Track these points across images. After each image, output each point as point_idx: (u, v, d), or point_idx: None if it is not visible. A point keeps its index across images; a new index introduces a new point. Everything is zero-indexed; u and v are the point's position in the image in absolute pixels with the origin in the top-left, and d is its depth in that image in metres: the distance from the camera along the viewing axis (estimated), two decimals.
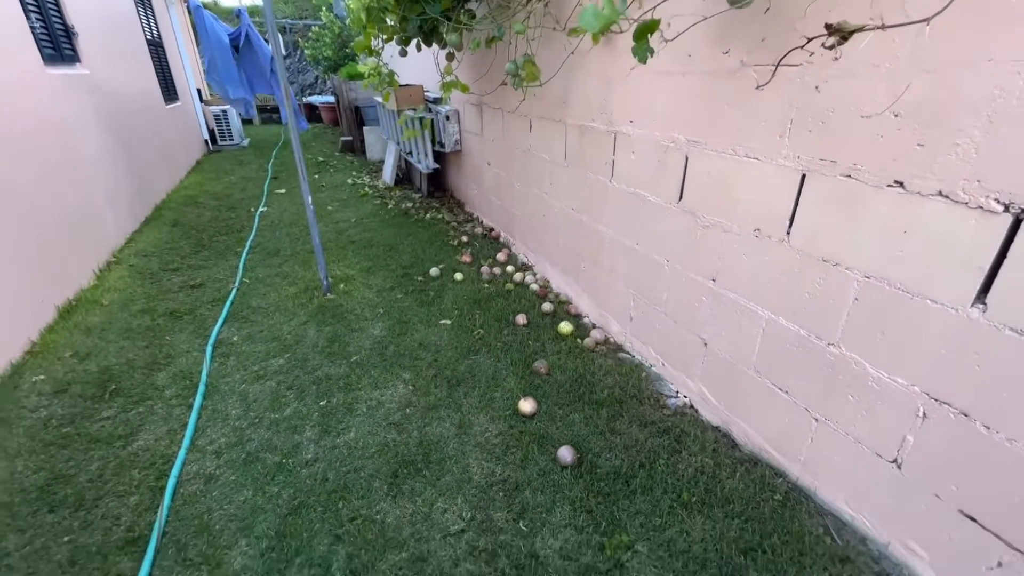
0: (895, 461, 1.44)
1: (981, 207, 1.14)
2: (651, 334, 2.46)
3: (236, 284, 3.66)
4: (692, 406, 2.24)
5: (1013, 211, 1.09)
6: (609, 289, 2.74)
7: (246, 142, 9.46)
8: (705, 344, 2.09)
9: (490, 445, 2.07)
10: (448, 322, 3.04)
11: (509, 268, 3.69)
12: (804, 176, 1.53)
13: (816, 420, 1.66)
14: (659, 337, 2.40)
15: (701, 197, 1.97)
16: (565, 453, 1.94)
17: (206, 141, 8.71)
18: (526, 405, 2.23)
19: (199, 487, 1.95)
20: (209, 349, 2.83)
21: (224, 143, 9.01)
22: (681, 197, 2.07)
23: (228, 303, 3.36)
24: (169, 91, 6.95)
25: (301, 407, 2.37)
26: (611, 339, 2.80)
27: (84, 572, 1.62)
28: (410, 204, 5.45)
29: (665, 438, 2.05)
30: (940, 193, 1.21)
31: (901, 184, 1.29)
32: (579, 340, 2.78)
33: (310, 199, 3.31)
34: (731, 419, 2.03)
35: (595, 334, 2.77)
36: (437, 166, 5.05)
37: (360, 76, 6.61)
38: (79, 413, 2.34)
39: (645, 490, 1.80)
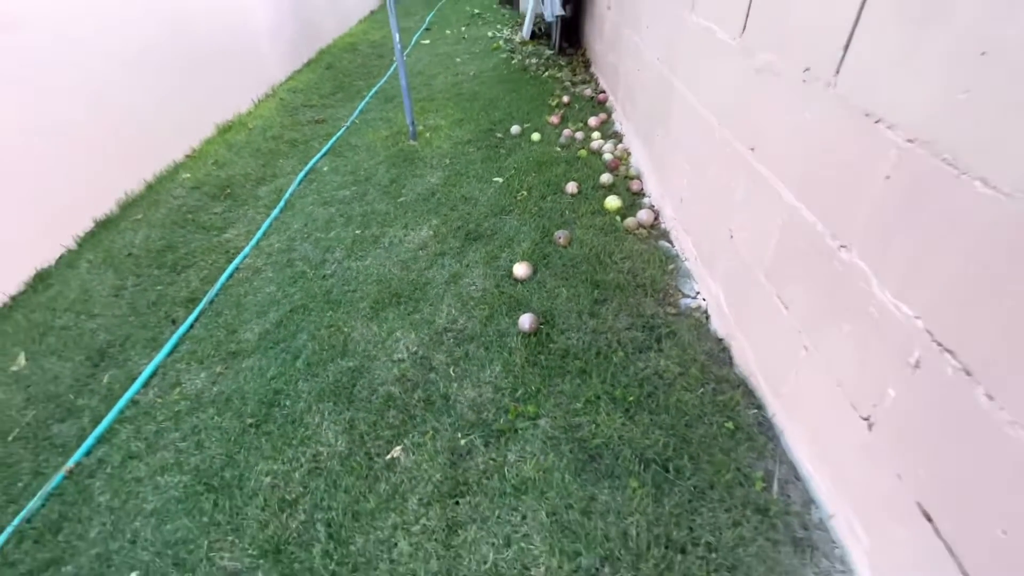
0: (868, 419, 1.01)
1: None
2: (692, 220, 2.02)
3: (346, 125, 3.98)
4: (706, 311, 1.85)
5: None
6: (672, 165, 2.25)
7: None
8: (731, 236, 1.64)
9: (466, 297, 2.06)
10: (500, 180, 2.92)
11: (594, 135, 3.27)
12: None
13: (806, 349, 1.22)
14: (698, 223, 1.96)
15: (761, 26, 1.38)
16: (525, 321, 1.83)
17: None
18: (520, 270, 2.10)
19: (247, 276, 2.38)
20: (301, 175, 3.23)
21: None
22: (744, 28, 1.49)
23: (333, 139, 3.71)
24: None
25: (342, 232, 2.62)
26: (661, 224, 2.38)
27: (157, 309, 2.18)
28: (535, 60, 5.03)
29: (645, 334, 1.76)
30: None
31: None
32: (621, 219, 2.43)
33: (399, 45, 3.26)
34: (735, 333, 1.63)
35: (641, 215, 2.38)
36: (563, 12, 4.45)
37: None
38: (200, 206, 2.97)
39: (582, 375, 1.62)
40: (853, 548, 1.08)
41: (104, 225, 2.79)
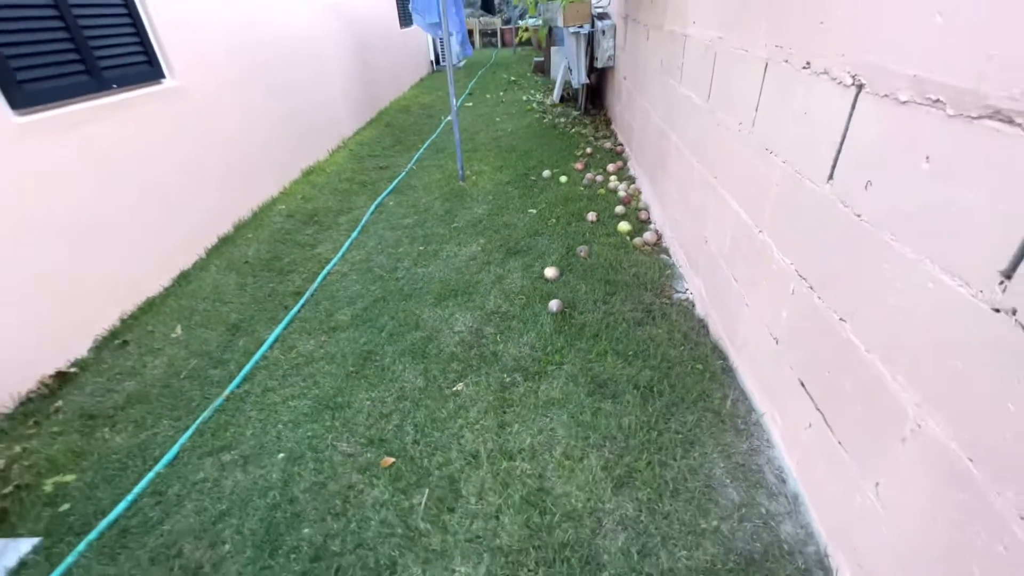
0: (776, 338, 1.56)
1: (840, 82, 1.19)
2: (683, 235, 2.63)
3: (405, 170, 4.83)
4: (691, 301, 2.43)
5: (857, 83, 1.14)
6: (668, 196, 2.90)
7: (462, 64, 10.87)
8: (706, 241, 2.24)
9: (508, 291, 2.69)
10: (534, 211, 3.61)
11: (612, 178, 3.97)
12: (767, 64, 1.60)
13: (747, 305, 1.79)
14: (686, 237, 2.56)
15: (718, 96, 2.06)
16: (554, 304, 2.44)
17: (431, 61, 10.35)
18: (550, 272, 2.73)
19: (337, 278, 3.08)
20: (372, 207, 4.02)
21: (443, 64, 10.56)
22: (709, 96, 2.16)
23: (395, 181, 4.53)
24: (405, 17, 8.49)
25: (409, 248, 3.33)
26: (662, 243, 3.00)
27: (272, 299, 2.88)
28: (563, 120, 5.89)
29: (643, 314, 2.35)
30: (824, 71, 1.26)
31: (808, 64, 1.34)
32: (630, 239, 3.06)
33: (456, 107, 4.11)
34: (710, 312, 2.20)
35: (647, 236, 3.01)
36: (587, 81, 5.32)
37: None
38: (294, 229, 3.76)
39: (595, 338, 2.20)
40: (773, 429, 1.60)
41: (224, 241, 3.59)
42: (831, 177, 1.25)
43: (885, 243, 1.05)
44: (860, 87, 1.13)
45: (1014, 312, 0.77)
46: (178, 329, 2.70)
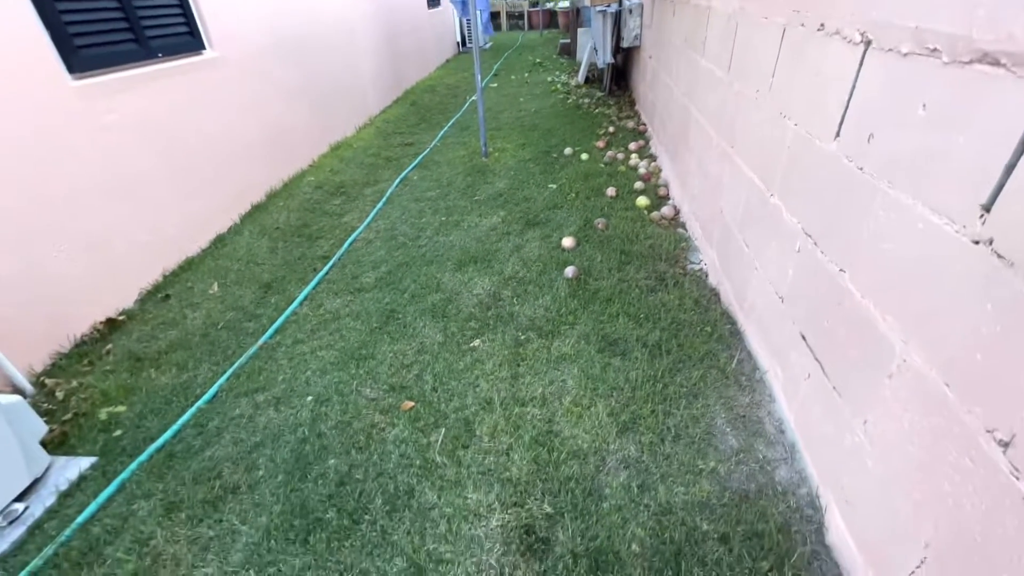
0: (781, 297, 1.62)
1: (850, 40, 1.23)
2: (700, 209, 2.67)
3: (430, 147, 4.93)
4: (705, 271, 2.48)
5: (866, 40, 1.18)
6: (688, 171, 2.93)
7: (488, 45, 10.87)
8: (721, 211, 2.29)
9: (527, 259, 2.78)
10: (554, 186, 3.68)
11: (633, 156, 4.00)
12: (785, 29, 1.63)
13: (756, 269, 1.85)
14: (703, 210, 2.61)
15: (737, 67, 2.09)
16: (569, 271, 2.52)
17: (457, 43, 10.39)
18: (567, 242, 2.81)
19: (362, 244, 3.22)
20: (397, 180, 4.14)
21: (470, 45, 10.59)
22: (730, 68, 2.19)
23: (420, 157, 4.65)
24: None
25: (431, 219, 3.44)
26: (679, 217, 3.04)
27: (302, 262, 3.04)
28: (587, 100, 5.90)
29: (656, 283, 2.41)
30: (837, 31, 1.30)
31: (823, 26, 1.38)
32: (648, 213, 3.11)
33: (481, 86, 4.18)
34: (722, 280, 2.25)
35: (664, 210, 3.05)
36: (612, 60, 5.31)
37: None
38: (322, 199, 3.91)
39: (608, 302, 2.28)
40: (775, 384, 1.67)
41: (257, 208, 3.76)
42: (838, 135, 1.30)
43: (882, 191, 1.10)
44: (868, 43, 1.17)
45: (991, 242, 0.82)
46: (215, 286, 2.87)
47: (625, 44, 5.06)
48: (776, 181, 1.68)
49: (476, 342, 2.20)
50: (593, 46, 6.18)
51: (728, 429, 1.59)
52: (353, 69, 5.54)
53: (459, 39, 10.41)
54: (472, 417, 1.80)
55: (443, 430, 1.76)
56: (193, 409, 2.00)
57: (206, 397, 2.06)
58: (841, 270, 1.27)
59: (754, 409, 1.65)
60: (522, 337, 2.17)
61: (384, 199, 3.81)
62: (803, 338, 1.47)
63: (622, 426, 1.63)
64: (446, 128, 5.49)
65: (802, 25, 1.51)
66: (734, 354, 1.90)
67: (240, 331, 2.48)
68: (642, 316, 2.16)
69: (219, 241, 3.34)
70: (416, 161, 4.54)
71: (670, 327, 2.07)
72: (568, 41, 8.98)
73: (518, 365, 2.01)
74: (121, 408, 2.03)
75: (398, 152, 4.90)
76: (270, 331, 2.43)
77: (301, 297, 2.67)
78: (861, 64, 1.20)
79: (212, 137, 3.35)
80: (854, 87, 1.23)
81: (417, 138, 5.30)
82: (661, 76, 3.90)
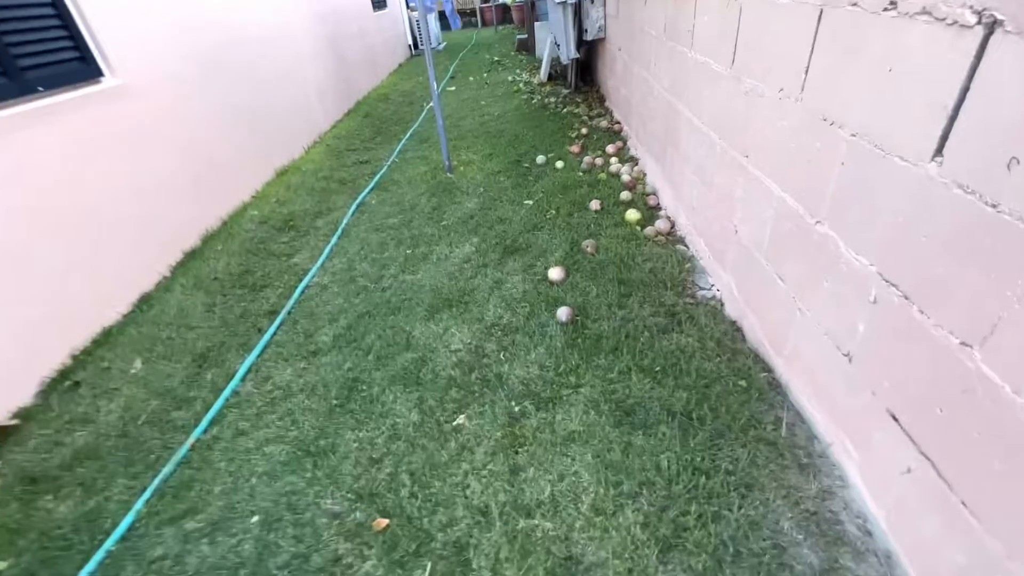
0: (848, 355, 1.26)
1: (955, 22, 0.87)
2: (703, 223, 2.31)
3: (387, 163, 4.46)
4: (720, 300, 2.12)
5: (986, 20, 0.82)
6: (682, 178, 2.58)
7: (442, 46, 10.38)
8: (736, 231, 1.93)
9: (510, 298, 2.37)
10: (530, 203, 3.28)
11: (612, 160, 3.64)
12: (822, 11, 1.27)
13: (800, 310, 1.49)
14: (708, 225, 2.25)
15: (745, 60, 1.73)
16: (563, 313, 2.13)
17: (409, 46, 9.86)
18: (555, 273, 2.42)
19: (316, 292, 2.75)
20: (353, 207, 3.67)
21: (422, 48, 10.06)
22: (733, 62, 1.83)
23: (377, 176, 4.18)
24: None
25: (395, 252, 3.00)
26: (676, 231, 2.69)
27: (244, 321, 2.55)
28: (553, 99, 5.51)
29: (667, 319, 2.04)
30: (924, 10, 0.94)
31: (894, 4, 1.01)
32: (640, 228, 2.74)
33: (437, 91, 3.74)
34: (746, 313, 1.90)
35: (659, 224, 2.69)
36: (577, 55, 4.94)
37: None
38: (268, 237, 3.41)
39: (615, 352, 1.90)
40: (848, 465, 1.31)
41: (191, 256, 3.24)
42: (939, 152, 0.94)
43: None
44: (991, 26, 0.81)
45: None
46: (137, 363, 2.37)
47: (589, 37, 4.69)
48: (824, 206, 1.32)
49: (460, 419, 1.79)
50: (553, 40, 5.79)
51: (800, 537, 1.22)
52: (296, 83, 5.01)
53: (411, 41, 9.87)
54: (465, 539, 1.39)
55: (428, 564, 1.34)
56: (100, 554, 1.53)
57: (117, 533, 1.59)
58: (964, 344, 0.91)
59: (825, 500, 1.29)
60: (516, 409, 1.77)
61: (339, 231, 3.34)
62: (894, 418, 1.11)
63: (663, 544, 1.25)
64: (404, 140, 5.02)
65: (854, 5, 1.14)
66: (781, 416, 1.54)
67: (167, 425, 2.00)
68: (658, 369, 1.79)
69: (144, 302, 2.81)
70: (373, 182, 4.08)
71: (696, 383, 1.69)
72: (525, 37, 8.58)
73: (516, 452, 1.61)
74: (2, 565, 1.54)
75: (353, 172, 4.42)
76: (204, 422, 1.97)
77: (243, 370, 2.21)
78: (980, 57, 0.84)
79: (124, 179, 2.82)
80: (968, 88, 0.86)
81: (373, 154, 4.82)
82: (634, 69, 3.54)
